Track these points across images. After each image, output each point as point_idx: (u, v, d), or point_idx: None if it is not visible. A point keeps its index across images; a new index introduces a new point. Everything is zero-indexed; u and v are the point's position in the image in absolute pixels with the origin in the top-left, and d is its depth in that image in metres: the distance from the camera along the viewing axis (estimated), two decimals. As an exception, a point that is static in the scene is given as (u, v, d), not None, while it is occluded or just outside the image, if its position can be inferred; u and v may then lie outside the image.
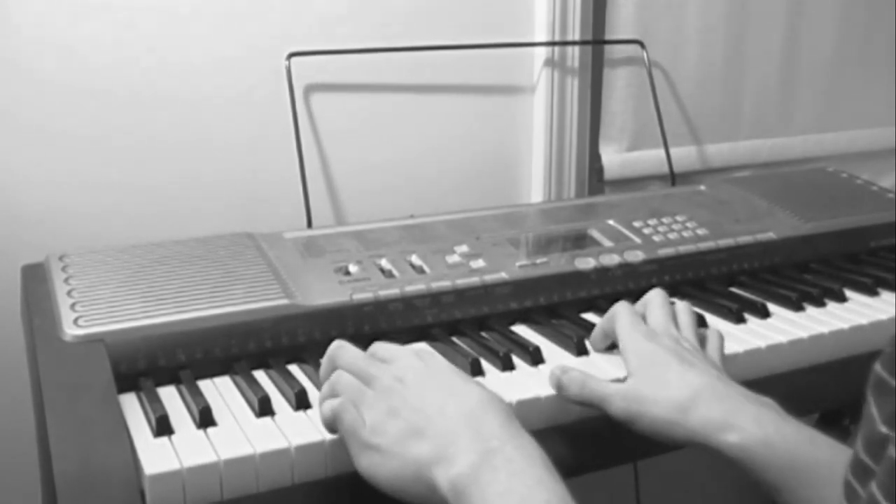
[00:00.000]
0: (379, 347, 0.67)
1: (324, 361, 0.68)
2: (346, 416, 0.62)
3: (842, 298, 0.95)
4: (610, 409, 0.69)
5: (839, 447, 0.63)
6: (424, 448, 0.58)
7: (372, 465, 0.60)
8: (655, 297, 0.79)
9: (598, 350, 0.81)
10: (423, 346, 0.67)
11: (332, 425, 0.64)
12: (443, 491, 0.56)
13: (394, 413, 0.60)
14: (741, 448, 0.63)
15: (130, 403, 0.70)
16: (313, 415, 0.69)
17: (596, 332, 0.81)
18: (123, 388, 0.71)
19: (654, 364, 0.70)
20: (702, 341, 0.77)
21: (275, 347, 0.79)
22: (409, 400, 0.61)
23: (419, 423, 0.59)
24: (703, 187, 1.17)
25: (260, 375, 0.76)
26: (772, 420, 0.64)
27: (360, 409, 0.62)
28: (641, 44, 1.28)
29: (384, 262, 0.89)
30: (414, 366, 0.64)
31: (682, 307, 0.80)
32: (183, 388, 0.73)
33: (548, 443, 0.59)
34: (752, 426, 0.63)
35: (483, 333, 0.86)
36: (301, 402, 0.70)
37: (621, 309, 0.77)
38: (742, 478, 0.64)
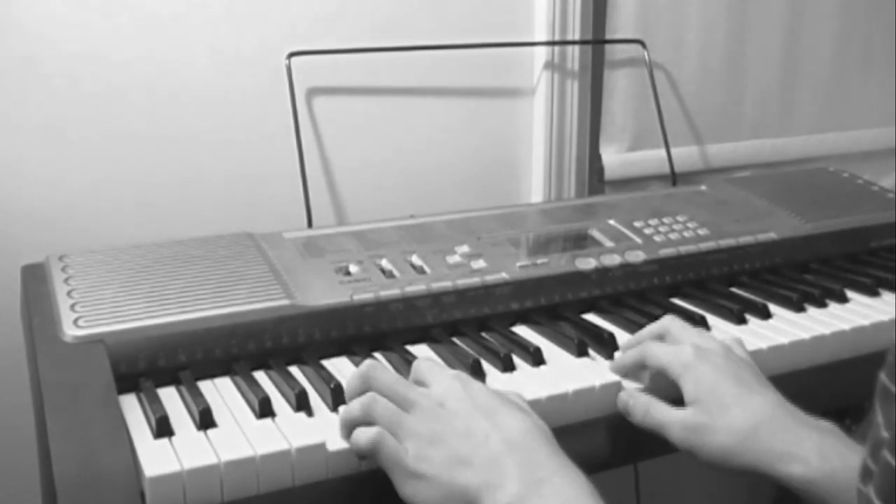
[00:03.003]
0: (417, 367, 0.67)
1: (353, 379, 0.67)
2: (386, 447, 0.61)
3: (843, 299, 0.94)
4: (670, 437, 0.69)
5: None
6: (471, 476, 0.58)
7: (417, 494, 0.59)
8: (674, 321, 0.77)
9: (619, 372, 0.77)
10: (461, 372, 0.67)
11: (367, 455, 0.63)
12: None
13: (437, 440, 0.60)
14: (805, 480, 0.62)
15: (130, 404, 0.70)
16: (314, 416, 0.69)
17: (619, 366, 0.77)
18: (123, 388, 0.71)
19: (711, 390, 0.68)
20: None
21: (275, 348, 0.79)
22: (452, 426, 0.60)
23: (465, 451, 0.59)
24: (703, 187, 1.17)
25: (260, 376, 0.76)
26: (836, 450, 0.63)
27: (400, 435, 0.61)
28: (642, 44, 1.28)
29: (384, 263, 0.88)
30: (454, 390, 0.63)
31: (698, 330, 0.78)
32: (183, 388, 0.73)
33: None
34: (816, 457, 0.63)
35: (483, 334, 0.86)
36: (301, 404, 0.70)
37: (652, 346, 0.74)
38: (741, 479, 0.64)
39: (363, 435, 0.62)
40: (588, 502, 0.55)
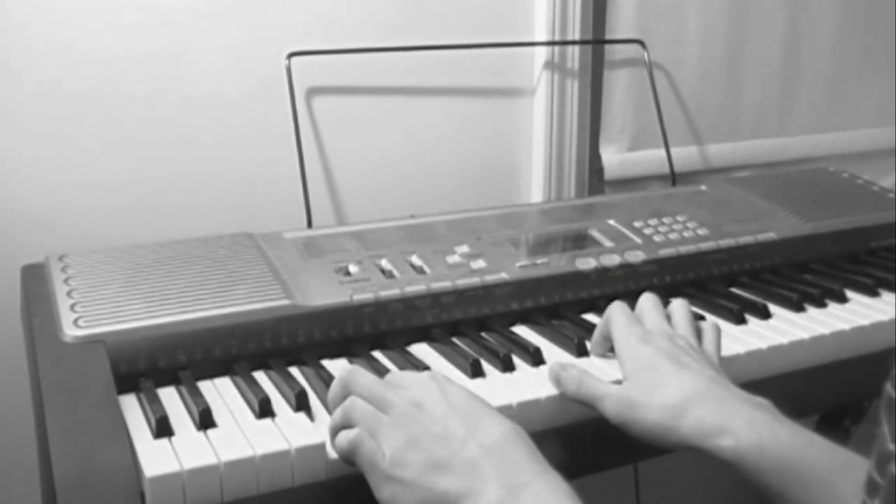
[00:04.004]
0: (394, 373, 0.67)
1: (334, 385, 0.67)
2: (363, 448, 0.60)
3: (843, 299, 0.94)
4: (603, 411, 0.69)
5: (837, 450, 0.63)
6: (450, 482, 0.57)
7: (394, 498, 0.59)
8: (647, 301, 0.79)
9: (598, 355, 0.80)
10: (437, 372, 0.67)
11: (348, 457, 0.62)
12: None
13: (415, 443, 0.59)
14: (735, 452, 0.62)
15: (130, 405, 0.70)
16: (314, 416, 0.69)
17: (595, 337, 0.80)
18: (123, 389, 0.71)
19: (648, 368, 0.69)
20: (698, 335, 0.76)
21: (275, 348, 0.79)
22: (429, 428, 0.59)
23: (443, 455, 0.58)
24: (703, 187, 1.17)
25: (260, 376, 0.76)
26: (766, 423, 0.63)
27: (378, 437, 0.60)
28: (642, 44, 1.28)
29: (384, 263, 0.88)
30: (431, 391, 0.62)
31: (678, 304, 0.79)
32: (183, 389, 0.73)
33: (548, 444, 0.59)
34: (746, 430, 0.62)
35: (483, 334, 0.86)
36: (301, 404, 0.70)
37: (615, 311, 0.76)
38: (740, 480, 0.64)
39: (342, 436, 0.62)
40: None
